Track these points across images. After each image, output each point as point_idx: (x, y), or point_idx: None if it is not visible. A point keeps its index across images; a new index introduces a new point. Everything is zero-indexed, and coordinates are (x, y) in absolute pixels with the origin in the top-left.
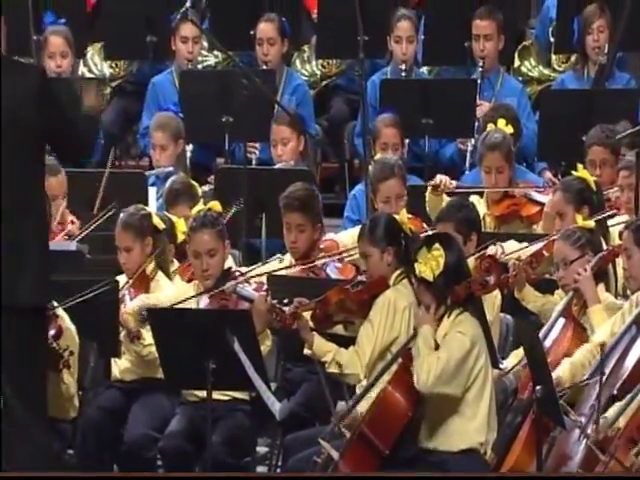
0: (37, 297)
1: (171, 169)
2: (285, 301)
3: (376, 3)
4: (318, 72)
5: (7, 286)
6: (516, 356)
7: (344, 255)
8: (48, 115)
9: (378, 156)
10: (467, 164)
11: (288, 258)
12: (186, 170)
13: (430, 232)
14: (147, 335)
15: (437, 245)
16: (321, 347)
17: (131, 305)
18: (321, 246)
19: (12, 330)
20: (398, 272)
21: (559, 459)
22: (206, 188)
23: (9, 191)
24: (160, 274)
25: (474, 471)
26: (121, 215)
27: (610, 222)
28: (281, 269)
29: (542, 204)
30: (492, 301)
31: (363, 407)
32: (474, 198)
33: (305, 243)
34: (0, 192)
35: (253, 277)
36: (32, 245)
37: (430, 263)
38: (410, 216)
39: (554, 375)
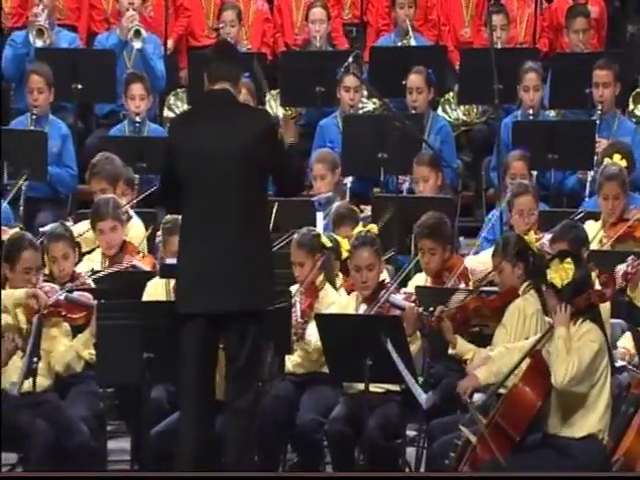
0: (264, 303)
1: (330, 194)
2: (430, 309)
3: (509, 57)
4: (459, 115)
5: (242, 294)
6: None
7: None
8: (272, 151)
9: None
10: (587, 192)
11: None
12: (344, 196)
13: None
14: (310, 335)
15: (569, 259)
16: (463, 347)
17: None
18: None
19: (243, 330)
20: (526, 284)
21: None
22: (362, 215)
23: (244, 214)
24: (327, 285)
25: (594, 454)
26: (295, 235)
27: None
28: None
29: None
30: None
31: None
32: (591, 222)
33: (437, 264)
34: (239, 215)
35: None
36: (260, 260)
37: (560, 272)
38: (537, 235)
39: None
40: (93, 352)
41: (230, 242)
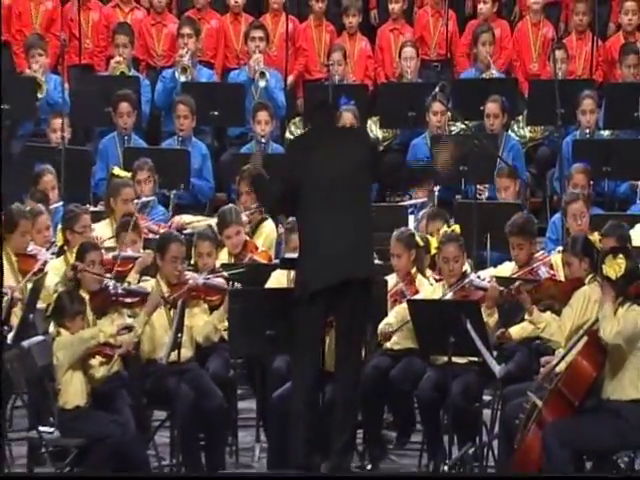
0: (371, 271)
1: (426, 199)
2: (510, 287)
3: (569, 86)
4: (528, 135)
5: (354, 267)
6: None
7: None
8: (376, 164)
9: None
10: (638, 198)
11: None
12: (434, 202)
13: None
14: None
15: (621, 255)
16: (538, 317)
17: None
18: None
19: (356, 295)
20: (591, 276)
21: None
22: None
23: (354, 208)
24: (419, 275)
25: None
26: (394, 233)
27: None
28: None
29: None
30: None
31: (561, 367)
32: None
33: (525, 256)
34: (350, 209)
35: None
36: (366, 240)
37: (614, 267)
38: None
39: None
40: (227, 325)
41: (341, 230)
